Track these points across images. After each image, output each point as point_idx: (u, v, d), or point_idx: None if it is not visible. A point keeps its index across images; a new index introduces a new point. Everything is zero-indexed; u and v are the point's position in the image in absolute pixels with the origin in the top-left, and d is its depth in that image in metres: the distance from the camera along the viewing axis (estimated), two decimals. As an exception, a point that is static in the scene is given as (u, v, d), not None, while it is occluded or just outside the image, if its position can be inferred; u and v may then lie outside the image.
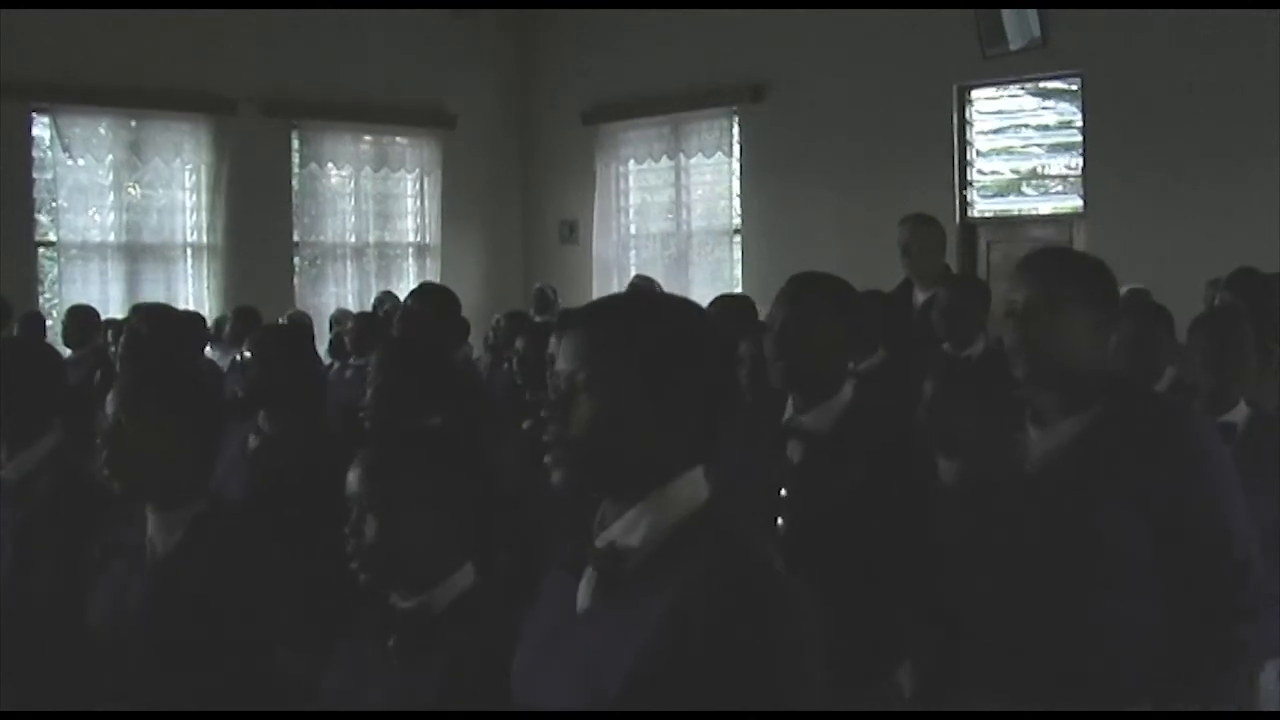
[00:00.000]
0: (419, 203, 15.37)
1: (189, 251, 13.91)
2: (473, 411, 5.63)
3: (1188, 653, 3.26)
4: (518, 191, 15.90)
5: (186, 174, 13.89)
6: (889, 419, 4.19)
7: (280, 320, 10.39)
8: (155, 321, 6.98)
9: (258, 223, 13.81)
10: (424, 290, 7.64)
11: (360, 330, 9.05)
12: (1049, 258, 3.65)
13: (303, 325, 10.47)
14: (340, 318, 11.43)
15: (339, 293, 14.72)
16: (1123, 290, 8.03)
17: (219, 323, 11.75)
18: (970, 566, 3.50)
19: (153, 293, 12.69)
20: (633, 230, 15.37)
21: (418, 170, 15.26)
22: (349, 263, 14.98)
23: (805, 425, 3.96)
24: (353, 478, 2.98)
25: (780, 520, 3.83)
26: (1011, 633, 3.36)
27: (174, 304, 10.44)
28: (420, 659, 2.86)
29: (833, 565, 3.56)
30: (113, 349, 7.94)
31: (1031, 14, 11.95)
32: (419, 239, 15.36)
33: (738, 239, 14.32)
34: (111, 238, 13.43)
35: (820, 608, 2.25)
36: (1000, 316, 3.57)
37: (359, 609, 3.05)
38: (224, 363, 9.81)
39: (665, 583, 2.20)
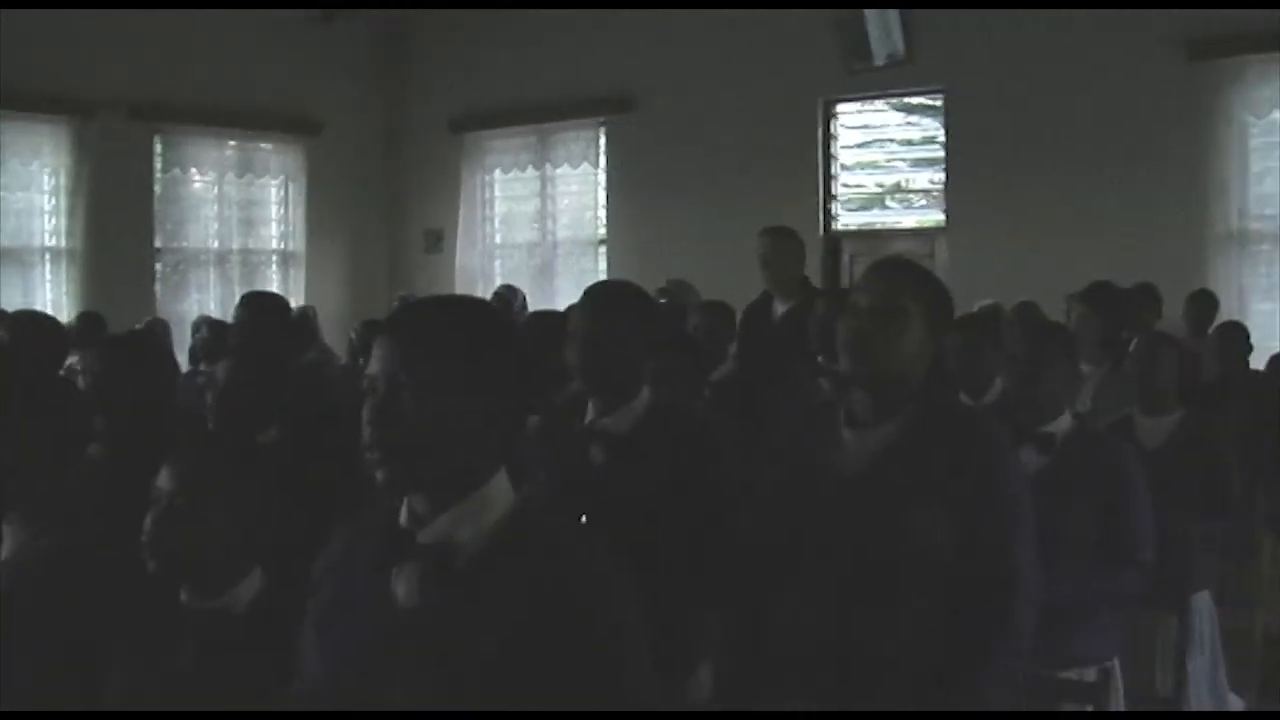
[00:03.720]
0: (283, 209, 15.21)
1: (47, 256, 13.65)
2: (314, 420, 5.60)
3: (958, 656, 3.34)
4: (383, 199, 15.78)
5: (45, 177, 13.60)
6: (688, 421, 4.30)
7: (137, 327, 10.23)
8: (18, 329, 6.85)
9: (118, 228, 13.58)
10: (255, 299, 7.42)
11: (211, 338, 8.96)
12: (898, 267, 3.74)
13: (150, 332, 10.31)
14: (200, 325, 11.29)
15: (201, 300, 14.48)
16: (978, 305, 8.18)
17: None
18: (786, 567, 3.53)
19: (9, 298, 12.40)
20: (498, 240, 15.34)
21: (283, 177, 15.11)
22: (212, 270, 14.76)
23: (607, 428, 4.06)
24: (163, 474, 3.05)
25: (585, 520, 3.87)
26: (821, 632, 3.42)
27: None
28: (215, 662, 2.88)
29: (636, 566, 3.57)
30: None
31: (896, 29, 12.08)
32: (283, 246, 15.20)
33: (603, 250, 14.35)
34: (-34, 240, 13.16)
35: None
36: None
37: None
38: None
39: (501, 579, 2.26)
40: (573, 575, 2.28)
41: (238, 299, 12.63)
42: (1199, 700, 5.63)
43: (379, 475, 2.32)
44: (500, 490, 2.37)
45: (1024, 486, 3.50)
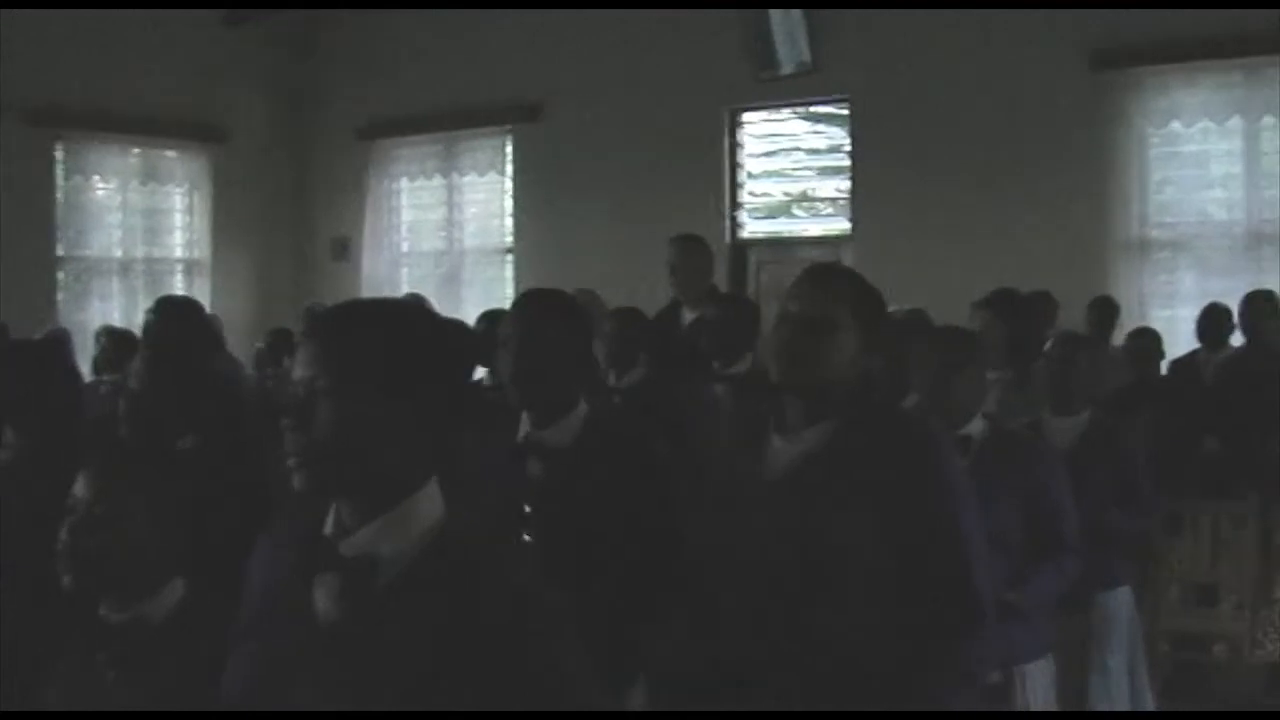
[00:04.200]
0: (188, 218, 15.05)
1: (-54, 264, 13.45)
2: (227, 428, 5.54)
3: (918, 659, 3.33)
4: (290, 207, 15.64)
5: (-56, 184, 13.42)
6: (629, 432, 4.24)
7: (37, 336, 10.11)
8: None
9: (19, 236, 13.30)
10: (168, 303, 7.24)
11: (113, 347, 8.87)
12: (831, 273, 3.75)
13: (54, 340, 10.19)
14: (101, 335, 11.18)
15: (105, 309, 14.26)
16: (894, 309, 8.23)
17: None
18: (719, 575, 3.53)
19: (-92, 305, 12.25)
20: (405, 248, 15.28)
21: (187, 184, 14.95)
22: (116, 279, 14.57)
23: (545, 441, 3.97)
24: (79, 482, 3.00)
25: (525, 537, 3.83)
26: (756, 639, 3.39)
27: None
28: (136, 674, 2.85)
29: (578, 580, 3.56)
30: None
31: (802, 38, 12.15)
32: (188, 255, 15.04)
33: (510, 258, 14.33)
34: None
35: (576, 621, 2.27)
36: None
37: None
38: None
39: (424, 597, 2.21)
40: (501, 596, 2.22)
41: (142, 308, 12.57)
42: (1120, 696, 5.70)
43: (295, 481, 2.27)
44: (429, 502, 2.31)
45: (969, 486, 3.49)
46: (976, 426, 4.74)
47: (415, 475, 2.30)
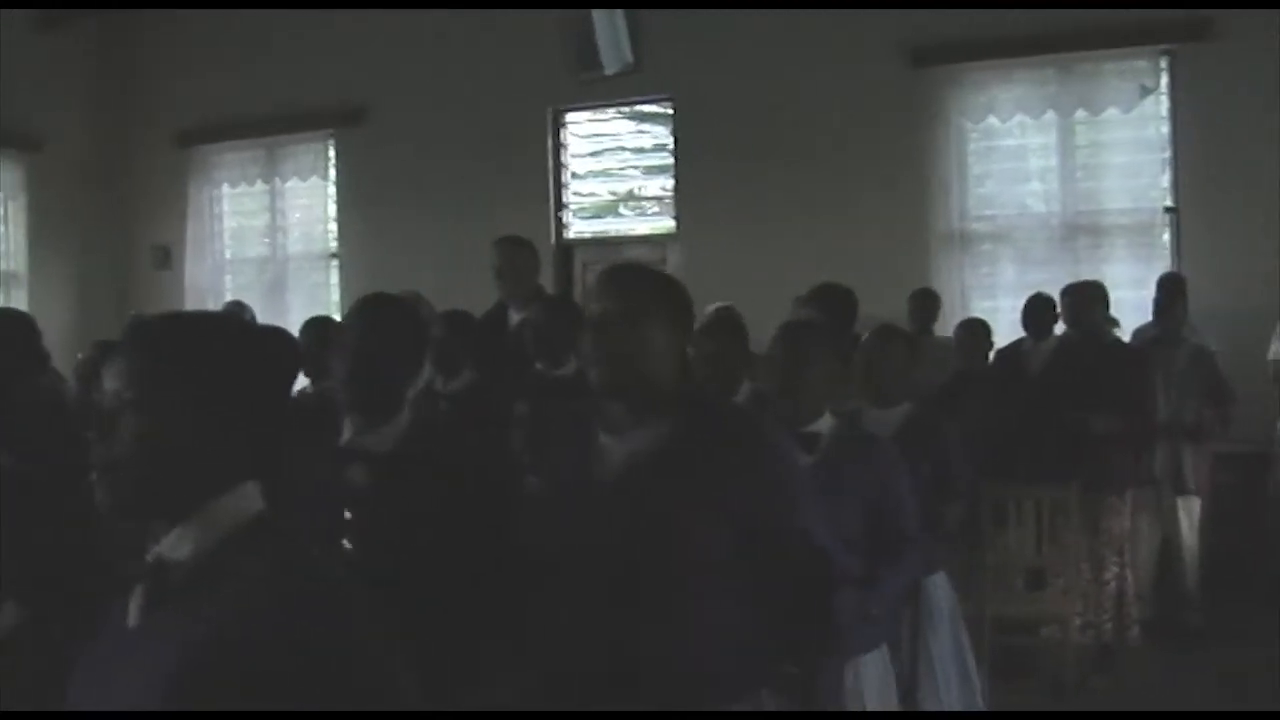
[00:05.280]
0: (3, 228, 14.69)
1: None
2: (49, 446, 5.42)
3: (776, 652, 3.36)
4: (109, 216, 15.31)
5: None
6: (453, 439, 4.23)
7: None
8: None
9: None
10: None
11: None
12: (629, 272, 3.69)
13: None
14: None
15: (-88, 322, 13.92)
16: (711, 308, 8.29)
17: None
18: (553, 579, 3.50)
19: None
20: (228, 255, 15.05)
21: (2, 194, 14.61)
22: (-76, 291, 14.25)
23: (368, 447, 3.94)
24: None
25: (347, 543, 3.78)
26: (597, 640, 3.36)
27: None
28: None
29: (406, 587, 3.52)
30: None
31: (625, 38, 12.19)
32: (3, 266, 14.69)
33: (335, 264, 14.23)
34: None
35: (392, 623, 2.27)
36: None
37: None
38: None
39: (210, 594, 2.19)
40: (312, 588, 2.23)
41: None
42: (947, 681, 5.75)
43: (98, 496, 2.26)
44: (235, 504, 2.30)
45: (805, 481, 3.52)
46: (825, 423, 4.75)
47: (220, 480, 2.29)
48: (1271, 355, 9.81)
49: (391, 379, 3.98)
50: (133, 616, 2.27)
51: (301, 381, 6.14)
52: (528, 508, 3.79)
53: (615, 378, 3.39)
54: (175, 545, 2.26)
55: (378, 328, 4.00)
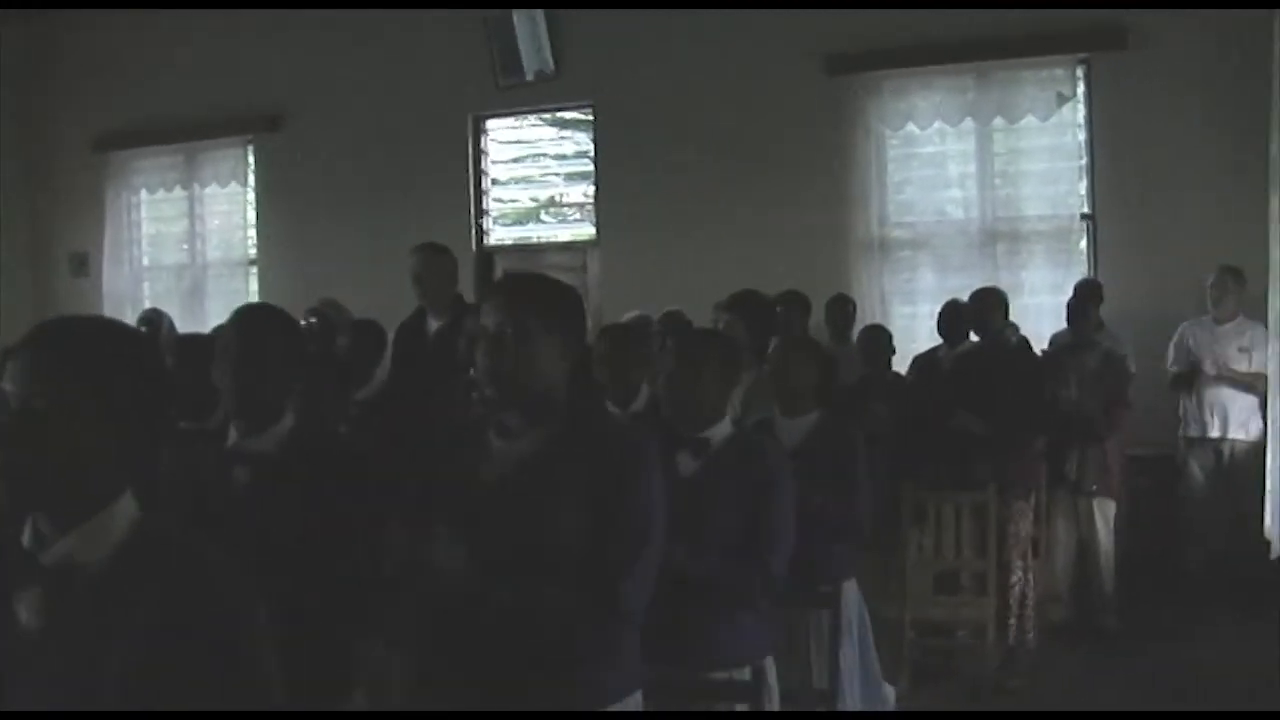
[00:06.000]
0: (-82, 235, 14.55)
1: None
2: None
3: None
4: (25, 222, 15.14)
5: None
6: (331, 443, 4.36)
7: None
8: None
9: None
10: None
11: None
12: (517, 284, 3.84)
13: None
14: None
15: None
16: (628, 315, 8.30)
17: None
18: (430, 578, 3.55)
19: None
20: (146, 262, 14.92)
21: (-86, 201, 14.46)
22: None
23: (251, 449, 3.97)
24: None
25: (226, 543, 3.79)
26: (477, 633, 3.46)
27: None
28: None
29: (286, 590, 3.53)
30: None
31: (545, 45, 12.19)
32: (-82, 273, 14.54)
33: (254, 270, 14.13)
34: None
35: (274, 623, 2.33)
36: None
37: None
38: None
39: (124, 594, 2.23)
40: (198, 581, 2.28)
41: None
42: (851, 691, 5.77)
43: None
44: (124, 511, 2.35)
45: (660, 490, 3.60)
46: (723, 429, 4.75)
47: (113, 487, 2.34)
48: (1169, 364, 9.96)
49: (269, 384, 4.02)
50: (31, 618, 2.30)
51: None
52: (407, 508, 3.85)
53: (504, 394, 3.54)
54: (74, 549, 2.30)
55: (254, 336, 4.05)
